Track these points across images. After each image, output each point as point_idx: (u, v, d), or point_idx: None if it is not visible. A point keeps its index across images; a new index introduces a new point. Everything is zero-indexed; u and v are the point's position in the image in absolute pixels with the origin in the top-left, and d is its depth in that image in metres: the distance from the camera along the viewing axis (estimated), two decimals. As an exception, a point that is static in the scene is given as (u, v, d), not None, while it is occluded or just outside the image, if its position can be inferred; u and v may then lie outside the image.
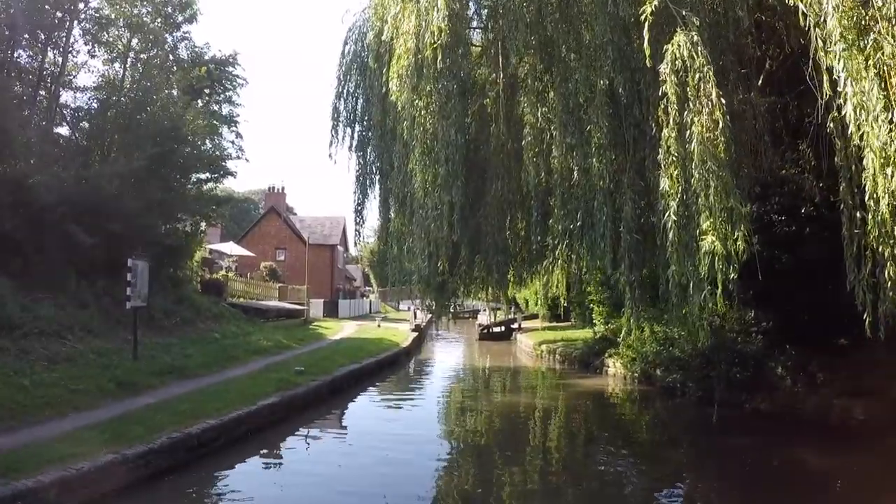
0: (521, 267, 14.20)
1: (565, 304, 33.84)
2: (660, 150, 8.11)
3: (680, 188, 7.78)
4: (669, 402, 17.16)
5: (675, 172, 7.84)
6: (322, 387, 15.82)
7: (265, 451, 11.76)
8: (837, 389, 13.75)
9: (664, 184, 7.99)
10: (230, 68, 30.78)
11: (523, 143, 10.34)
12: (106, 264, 19.17)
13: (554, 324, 36.03)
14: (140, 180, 21.27)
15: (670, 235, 7.87)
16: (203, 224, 29.19)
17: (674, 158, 7.87)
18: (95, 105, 22.80)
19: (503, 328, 40.79)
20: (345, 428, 14.53)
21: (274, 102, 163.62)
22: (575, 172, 9.54)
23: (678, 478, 11.36)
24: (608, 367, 21.76)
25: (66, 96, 22.62)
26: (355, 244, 19.34)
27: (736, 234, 7.59)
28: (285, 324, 30.82)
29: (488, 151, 12.11)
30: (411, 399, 18.68)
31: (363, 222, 15.22)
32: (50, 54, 21.95)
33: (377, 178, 14.69)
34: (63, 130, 22.87)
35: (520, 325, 40.06)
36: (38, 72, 21.59)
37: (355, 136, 15.17)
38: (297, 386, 14.86)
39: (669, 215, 7.88)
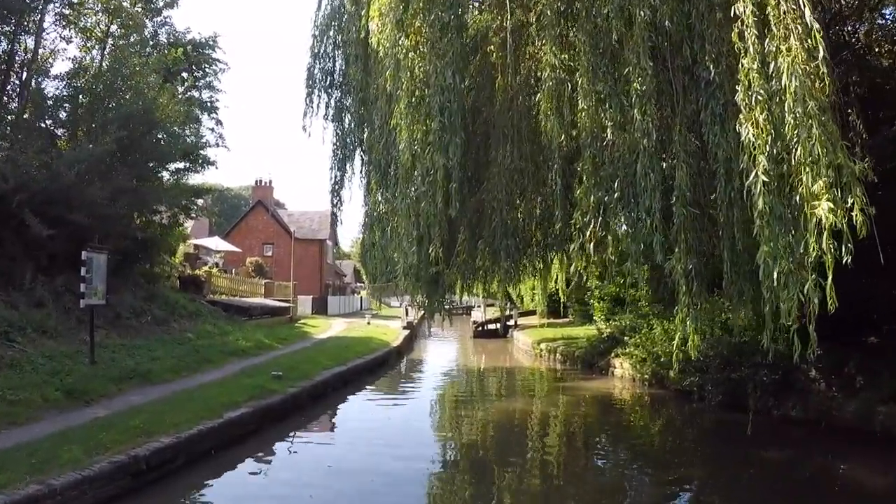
0: (535, 254, 12.07)
1: (564, 301, 32.37)
2: (738, 88, 6.27)
3: (769, 138, 5.96)
4: (686, 408, 15.62)
5: (762, 117, 5.99)
6: (301, 394, 14.14)
7: (230, 472, 10.08)
8: (881, 394, 12.23)
9: (747, 133, 6.11)
10: (209, 51, 28.99)
11: (541, 94, 8.27)
12: (67, 258, 17.55)
13: (552, 320, 34.48)
14: (106, 167, 19.66)
15: (760, 203, 5.96)
16: (182, 216, 27.44)
17: (759, 98, 6.03)
18: (66, 92, 21.24)
19: (498, 325, 39.21)
20: (325, 441, 12.82)
21: (265, 97, 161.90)
22: (608, 130, 7.63)
23: (703, 496, 9.87)
24: (614, 367, 20.22)
25: (37, 82, 21.10)
26: (332, 225, 16.43)
27: (849, 200, 5.76)
28: (269, 322, 29.09)
29: (492, 112, 10.08)
30: (401, 405, 17.00)
31: (341, 204, 13.07)
32: (28, 41, 20.68)
33: (357, 151, 12.62)
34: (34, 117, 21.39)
35: (516, 321, 38.48)
36: (8, 57, 20.14)
37: (332, 102, 13.05)
38: (272, 393, 13.20)
39: (757, 175, 5.99)
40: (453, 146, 8.38)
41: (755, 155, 6.12)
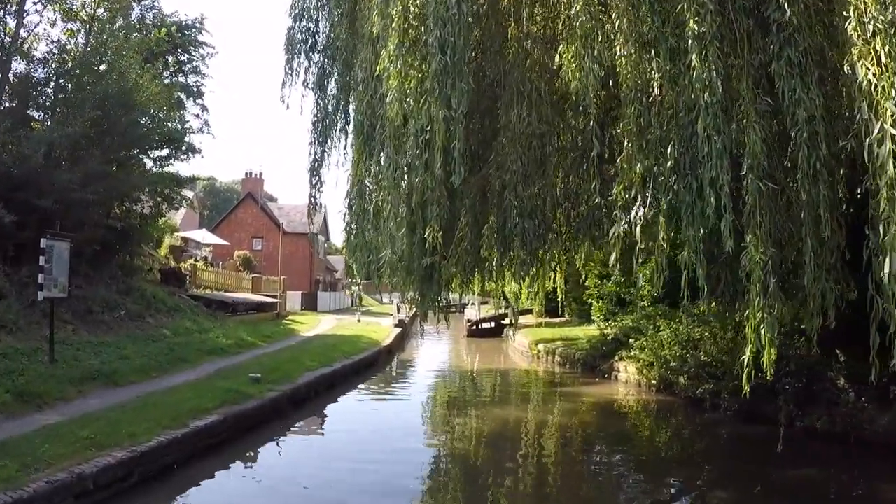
0: (556, 241, 10.32)
1: (562, 299, 31.21)
2: (849, 14, 4.90)
3: (894, 80, 4.59)
4: (698, 418, 14.48)
5: (885, 50, 4.62)
6: (281, 399, 12.87)
7: (188, 492, 8.85)
8: (919, 406, 11.12)
9: (865, 72, 4.74)
10: (195, 33, 27.63)
11: (565, 44, 6.63)
12: (36, 248, 16.33)
13: (548, 319, 33.29)
14: (81, 150, 18.46)
15: (890, 168, 4.52)
16: (165, 206, 26.19)
17: (878, 27, 4.67)
18: (44, 74, 20.10)
19: (493, 324, 38.01)
20: (304, 454, 11.41)
21: (259, 91, 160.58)
22: (656, 82, 6.23)
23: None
24: (618, 371, 19.04)
25: (17, 65, 19.99)
26: (310, 216, 13.81)
27: None
28: (254, 318, 27.82)
29: (502, 69, 8.31)
30: (390, 412, 15.65)
31: (321, 185, 11.24)
32: (10, 22, 19.50)
33: (341, 121, 10.72)
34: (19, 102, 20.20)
35: (510, 321, 37.22)
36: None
37: (313, 66, 11.29)
38: (248, 398, 11.95)
39: (884, 129, 4.56)
40: (458, 93, 6.58)
41: (878, 101, 4.68)
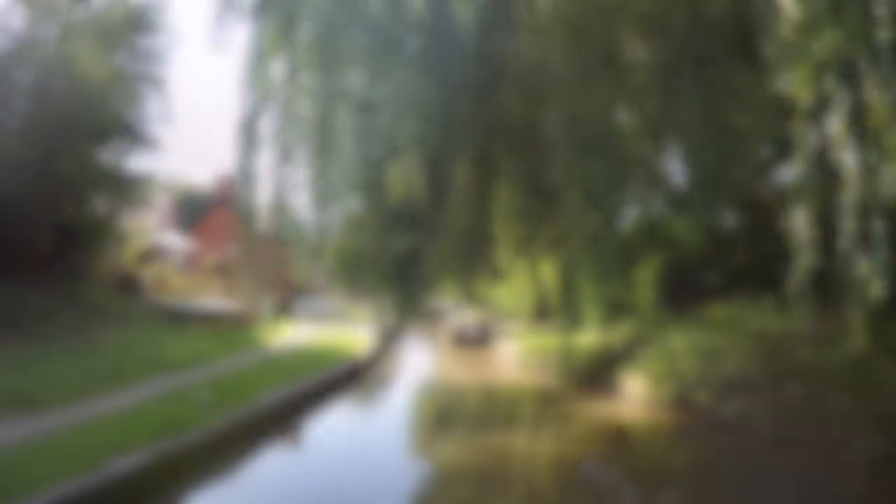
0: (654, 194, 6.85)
1: (554, 303, 29.24)
2: None
3: None
4: (725, 442, 12.45)
5: None
6: (230, 428, 10.57)
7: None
8: None
9: None
10: (159, 16, 25.29)
11: None
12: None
13: (537, 326, 31.22)
14: (12, 136, 16.35)
15: None
16: (123, 206, 24.00)
17: None
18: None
19: (479, 331, 35.93)
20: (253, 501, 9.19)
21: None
22: None
23: None
24: (624, 385, 17.02)
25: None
26: (239, 192, 10.19)
27: None
28: (218, 327, 25.49)
29: None
30: (365, 438, 13.33)
31: (255, 146, 8.05)
32: None
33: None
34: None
35: (498, 327, 35.20)
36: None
37: None
38: (187, 429, 9.70)
39: None
40: None
41: None
